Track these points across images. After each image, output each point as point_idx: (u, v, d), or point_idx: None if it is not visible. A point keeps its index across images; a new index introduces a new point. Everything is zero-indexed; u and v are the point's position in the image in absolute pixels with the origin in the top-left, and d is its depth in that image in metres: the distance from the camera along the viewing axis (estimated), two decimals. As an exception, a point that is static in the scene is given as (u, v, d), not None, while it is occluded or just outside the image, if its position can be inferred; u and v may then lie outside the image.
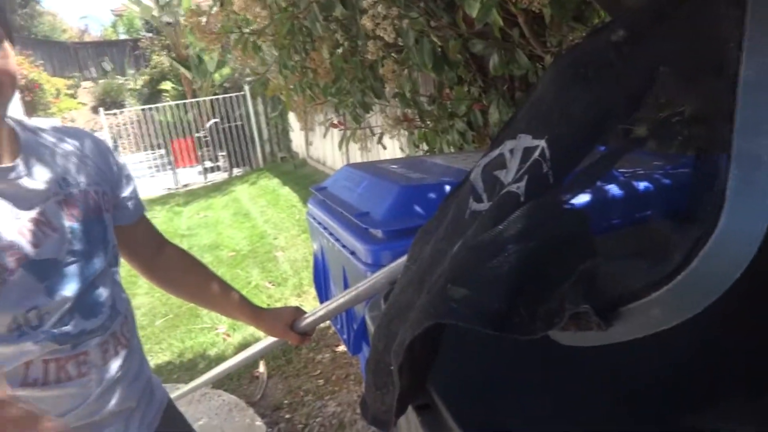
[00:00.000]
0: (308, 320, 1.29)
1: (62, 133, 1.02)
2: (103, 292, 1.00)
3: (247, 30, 2.67)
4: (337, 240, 1.49)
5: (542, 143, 0.68)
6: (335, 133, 4.86)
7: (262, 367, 3.52)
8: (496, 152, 0.77)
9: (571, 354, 1.26)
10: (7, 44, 0.81)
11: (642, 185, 1.23)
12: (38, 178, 0.92)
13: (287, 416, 3.10)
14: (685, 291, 0.49)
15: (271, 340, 1.46)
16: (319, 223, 1.68)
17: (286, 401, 3.22)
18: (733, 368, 1.34)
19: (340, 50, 2.62)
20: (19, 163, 0.90)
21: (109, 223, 1.04)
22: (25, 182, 0.90)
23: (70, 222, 0.94)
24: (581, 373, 1.31)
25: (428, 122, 2.62)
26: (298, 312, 1.31)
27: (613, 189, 1.20)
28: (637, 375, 1.34)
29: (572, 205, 0.67)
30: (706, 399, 1.35)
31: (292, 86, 2.72)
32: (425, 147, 2.73)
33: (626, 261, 0.64)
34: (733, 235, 0.46)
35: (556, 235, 0.61)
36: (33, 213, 0.88)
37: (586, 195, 1.08)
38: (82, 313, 0.94)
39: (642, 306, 0.51)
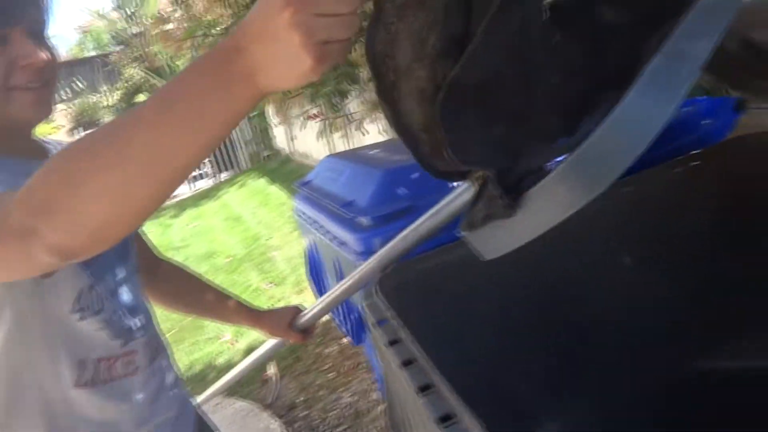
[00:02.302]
0: (307, 317, 1.27)
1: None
2: (139, 293, 1.02)
3: (215, 30, 2.61)
4: (327, 233, 1.47)
5: None
6: (316, 126, 4.81)
7: (272, 369, 3.51)
8: None
9: (570, 321, 1.25)
10: None
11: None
12: None
13: (303, 413, 3.09)
14: (587, 165, 0.49)
15: (275, 341, 1.45)
16: (307, 219, 1.65)
17: (300, 399, 3.21)
18: (722, 313, 1.34)
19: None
20: None
21: None
22: None
23: None
24: (579, 337, 1.30)
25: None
26: (298, 310, 1.29)
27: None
28: (634, 332, 1.33)
29: None
30: (703, 345, 1.35)
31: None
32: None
33: (531, 141, 0.64)
34: (639, 112, 0.48)
35: None
36: None
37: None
38: (128, 309, 0.95)
39: (547, 185, 0.50)
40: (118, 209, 0.56)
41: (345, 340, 3.66)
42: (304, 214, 1.68)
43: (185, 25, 2.62)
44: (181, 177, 0.57)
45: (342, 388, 3.20)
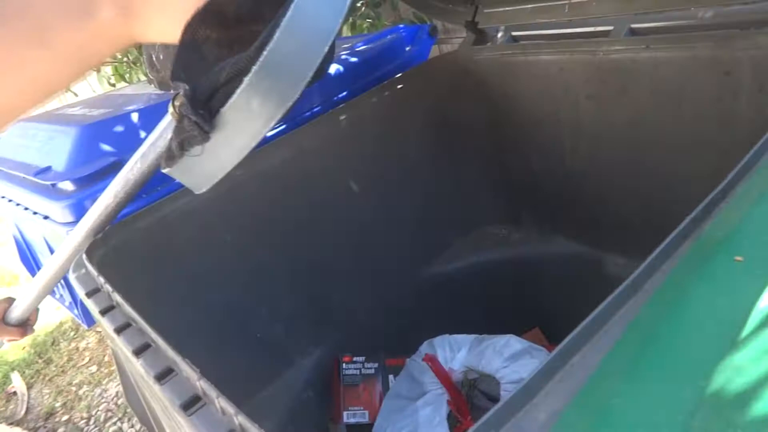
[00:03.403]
0: (20, 308, 1.09)
1: None
2: None
3: None
4: (27, 208, 1.26)
5: None
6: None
7: (16, 380, 3.06)
8: None
9: (311, 255, 1.28)
10: None
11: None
12: None
13: (65, 418, 2.77)
14: (275, 70, 0.46)
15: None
16: (3, 197, 1.40)
17: (58, 403, 2.87)
18: (443, 221, 1.51)
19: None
20: None
21: None
22: None
23: None
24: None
25: (118, 55, 2.32)
26: (10, 302, 1.10)
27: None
28: (370, 252, 1.42)
29: None
30: (432, 251, 1.51)
31: None
32: (124, 84, 2.44)
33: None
34: (314, 5, 0.45)
35: None
36: None
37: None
38: None
39: (239, 99, 0.48)
40: None
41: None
42: (-2, 192, 1.42)
43: None
44: None
45: (107, 380, 2.93)
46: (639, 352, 0.41)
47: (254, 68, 0.48)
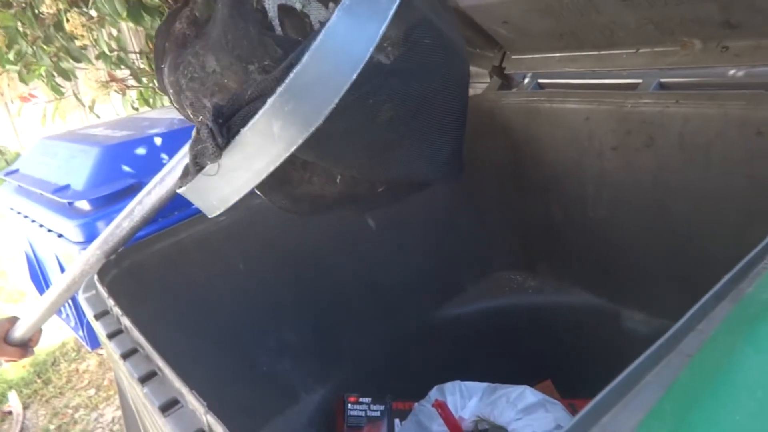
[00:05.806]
0: (23, 327, 1.07)
1: None
2: None
3: None
4: (42, 225, 1.25)
5: None
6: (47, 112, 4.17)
7: (13, 400, 3.01)
8: None
9: (321, 291, 1.26)
10: None
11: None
12: None
13: (58, 441, 2.71)
14: (299, 95, 0.46)
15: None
16: (19, 213, 1.40)
17: (52, 426, 2.81)
18: (458, 263, 1.48)
19: (12, 9, 2.17)
20: None
21: None
22: None
23: None
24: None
25: (144, 80, 2.35)
26: (15, 321, 1.08)
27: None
28: (382, 291, 1.39)
29: None
30: (445, 293, 1.49)
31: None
32: (147, 108, 2.46)
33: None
34: (344, 35, 0.45)
35: None
36: None
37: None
38: None
39: (259, 121, 0.47)
40: None
41: (104, 351, 3.29)
42: (14, 207, 1.42)
43: None
44: None
45: (104, 404, 2.88)
46: (680, 418, 0.38)
47: (279, 89, 0.47)
